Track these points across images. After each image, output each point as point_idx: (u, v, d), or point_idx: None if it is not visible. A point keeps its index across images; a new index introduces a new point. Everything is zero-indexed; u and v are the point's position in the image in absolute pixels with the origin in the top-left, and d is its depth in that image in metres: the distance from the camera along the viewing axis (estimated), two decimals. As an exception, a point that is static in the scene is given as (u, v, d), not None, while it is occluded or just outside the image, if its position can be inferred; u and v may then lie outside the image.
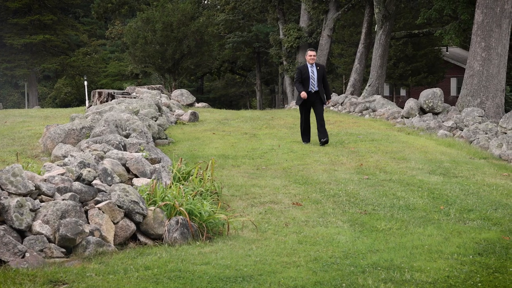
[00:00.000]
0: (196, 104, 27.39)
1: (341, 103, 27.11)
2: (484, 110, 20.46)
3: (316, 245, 7.50)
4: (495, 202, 10.06)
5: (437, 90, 21.55)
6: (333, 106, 27.25)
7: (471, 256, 6.97)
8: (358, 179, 11.61)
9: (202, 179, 9.77)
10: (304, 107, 15.69)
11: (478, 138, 17.31)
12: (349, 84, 34.88)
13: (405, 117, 21.42)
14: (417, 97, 22.50)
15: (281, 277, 6.26)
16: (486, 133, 17.74)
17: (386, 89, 48.16)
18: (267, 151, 14.63)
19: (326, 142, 15.39)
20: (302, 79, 15.58)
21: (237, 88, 71.84)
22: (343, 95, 29.24)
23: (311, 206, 9.60)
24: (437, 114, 21.14)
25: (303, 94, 15.38)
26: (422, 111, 21.34)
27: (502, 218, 8.97)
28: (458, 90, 40.51)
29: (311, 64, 15.59)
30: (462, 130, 18.86)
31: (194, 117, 20.70)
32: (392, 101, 29.30)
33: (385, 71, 33.83)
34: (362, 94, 31.18)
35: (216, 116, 22.75)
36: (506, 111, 22.02)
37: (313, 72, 15.53)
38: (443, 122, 20.05)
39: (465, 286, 5.98)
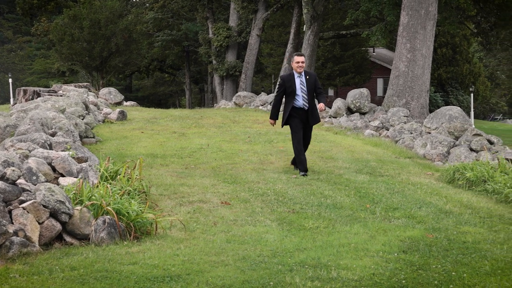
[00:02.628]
0: (125, 103, 27.12)
1: (270, 103, 27.24)
2: (409, 110, 20.88)
3: (244, 244, 7.52)
4: (419, 200, 10.27)
5: (364, 90, 21.89)
6: (262, 105, 27.36)
7: (396, 254, 7.10)
8: (287, 178, 11.68)
9: (130, 178, 9.66)
10: (297, 125, 12.26)
11: (404, 138, 17.64)
12: (278, 84, 35.10)
13: (333, 117, 21.69)
14: (344, 97, 22.81)
15: (209, 276, 6.25)
16: (411, 133, 18.11)
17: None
18: (196, 150, 14.59)
19: (305, 172, 12.17)
20: (286, 93, 12.30)
21: (166, 87, 71.48)
22: (272, 94, 29.38)
23: (240, 205, 9.61)
24: (364, 114, 21.47)
25: (271, 122, 12.69)
26: (350, 111, 21.64)
27: (426, 216, 9.16)
28: (385, 90, 41.27)
29: (299, 73, 12.25)
30: (388, 130, 19.20)
31: (122, 116, 20.48)
32: (320, 101, 29.59)
33: (314, 71, 34.16)
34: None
35: (145, 115, 22.57)
36: (430, 111, 22.53)
37: (302, 84, 12.18)
38: (369, 122, 20.37)
39: (390, 283, 6.08)
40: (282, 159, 13.67)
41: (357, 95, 21.56)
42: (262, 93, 30.96)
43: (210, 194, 10.28)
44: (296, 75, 12.28)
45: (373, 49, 52.01)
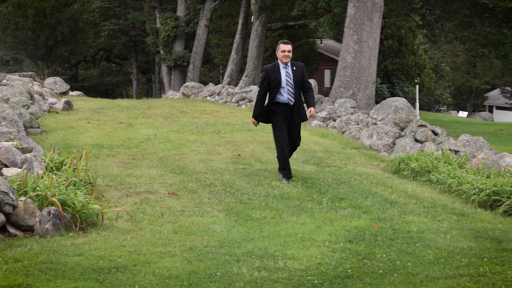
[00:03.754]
0: (71, 93, 26.76)
1: (218, 93, 27.20)
2: (356, 101, 21.07)
3: (191, 235, 7.51)
4: (365, 190, 10.39)
5: (312, 82, 22.00)
6: (210, 96, 27.30)
7: (342, 244, 7.17)
8: (234, 169, 11.69)
9: (75, 169, 9.55)
10: (280, 123, 10.80)
11: (350, 129, 17.81)
12: (226, 74, 35.05)
13: (281, 108, 21.73)
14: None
15: (156, 267, 6.23)
16: (357, 124, 18.28)
17: (262, 79, 48.65)
18: (143, 140, 14.49)
19: (288, 178, 10.87)
20: (270, 87, 10.71)
21: (113, 77, 70.76)
22: (220, 85, 29.34)
23: (187, 196, 9.59)
24: (311, 105, 21.57)
25: (253, 122, 11.20)
26: (297, 102, 21.72)
27: (371, 206, 9.28)
28: (332, 81, 41.51)
29: (285, 63, 10.72)
30: (335, 121, 19.35)
31: (68, 106, 20.22)
32: (268, 92, 29.64)
33: (262, 62, 34.19)
34: (239, 84, 31.39)
35: (91, 105, 22.32)
36: (377, 102, 22.76)
37: (288, 75, 10.68)
38: (317, 113, 20.49)
39: (336, 272, 6.14)
40: (230, 150, 13.67)
41: (305, 86, 21.65)
42: (210, 83, 30.91)
43: (158, 184, 10.23)
44: (281, 65, 10.73)
45: (321, 40, 52.24)
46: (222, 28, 46.17)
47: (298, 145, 11.34)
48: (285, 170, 10.84)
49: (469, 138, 14.73)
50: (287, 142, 10.86)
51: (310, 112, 10.76)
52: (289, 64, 10.72)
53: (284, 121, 10.76)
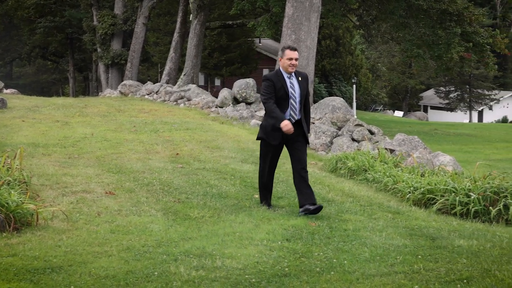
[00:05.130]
0: (5, 91, 26.25)
1: (156, 92, 27.01)
2: (294, 101, 21.17)
3: (128, 234, 7.44)
4: (303, 189, 10.45)
5: (250, 81, 22.05)
6: (148, 94, 27.10)
7: (279, 242, 7.21)
8: (173, 168, 11.64)
9: (10, 168, 9.37)
10: (271, 147, 8.95)
11: (288, 128, 17.88)
12: (164, 73, 34.87)
13: (219, 107, 21.74)
14: (231, 87, 22.90)
15: (92, 267, 6.16)
16: (295, 123, 18.37)
17: (201, 78, 48.62)
18: (80, 139, 14.31)
19: (318, 210, 8.70)
20: (276, 99, 8.83)
21: (49, 75, 69.64)
22: (158, 83, 29.14)
23: (125, 195, 9.50)
24: (250, 104, 21.64)
25: (285, 125, 8.65)
26: (236, 101, 21.76)
27: (309, 205, 9.34)
28: (270, 81, 41.67)
29: (289, 73, 8.93)
30: (273, 120, 19.41)
31: (2, 104, 19.81)
32: (207, 91, 29.63)
33: (200, 60, 34.16)
34: (178, 83, 31.28)
35: (26, 103, 21.92)
36: (315, 102, 22.95)
37: (293, 87, 8.88)
38: (255, 112, 20.54)
39: (274, 271, 6.17)
40: (168, 149, 13.61)
41: (243, 85, 21.70)
42: (149, 82, 30.68)
43: (94, 184, 10.11)
44: (285, 75, 8.90)
45: (259, 39, 52.42)
46: (161, 26, 45.93)
47: (307, 177, 8.97)
48: (266, 195, 9.26)
49: (404, 138, 15.00)
50: (274, 169, 9.24)
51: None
52: (293, 73, 8.94)
53: (280, 143, 8.91)
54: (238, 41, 44.66)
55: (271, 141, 8.84)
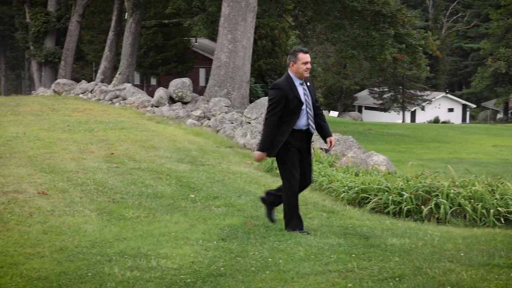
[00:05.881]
0: None
1: (91, 91, 26.66)
2: (231, 101, 21.21)
3: (62, 235, 7.33)
4: (239, 189, 10.49)
5: (186, 80, 21.97)
6: (82, 93, 26.73)
7: (215, 242, 7.21)
8: (107, 168, 11.51)
9: None
10: (295, 159, 8.01)
11: (225, 128, 17.91)
12: (99, 71, 34.44)
13: (155, 106, 21.60)
14: (167, 87, 22.77)
15: (23, 269, 6.05)
16: (232, 123, 18.41)
17: (136, 77, 48.17)
18: (11, 138, 14.01)
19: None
20: (286, 109, 7.92)
21: (-21, 73, 67.98)
22: (93, 82, 28.76)
23: (58, 195, 9.35)
24: (186, 103, 21.57)
25: (259, 156, 8.08)
26: (172, 100, 21.65)
27: (245, 205, 9.38)
28: (207, 80, 41.62)
29: (302, 79, 8.08)
30: (209, 120, 19.41)
31: None
32: (143, 90, 29.44)
33: (136, 59, 33.85)
34: (113, 82, 30.94)
35: (-44, 101, 21.37)
36: (251, 101, 23.02)
37: (306, 94, 8.07)
38: (191, 111, 20.48)
39: (209, 271, 6.17)
40: (103, 148, 13.44)
41: (179, 84, 21.61)
42: (83, 81, 30.25)
43: (26, 184, 9.92)
44: (297, 81, 8.04)
45: (196, 39, 52.24)
46: (95, 24, 45.28)
47: (311, 182, 8.56)
48: (293, 221, 8.01)
49: (339, 137, 15.17)
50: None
51: (331, 143, 8.36)
52: (304, 80, 8.13)
53: (297, 156, 8.05)
54: (174, 40, 44.37)
55: (293, 145, 7.94)
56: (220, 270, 6.19)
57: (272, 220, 8.40)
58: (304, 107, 7.98)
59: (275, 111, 7.88)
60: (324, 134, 8.35)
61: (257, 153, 8.06)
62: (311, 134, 8.15)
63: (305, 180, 8.17)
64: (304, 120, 8.02)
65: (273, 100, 7.92)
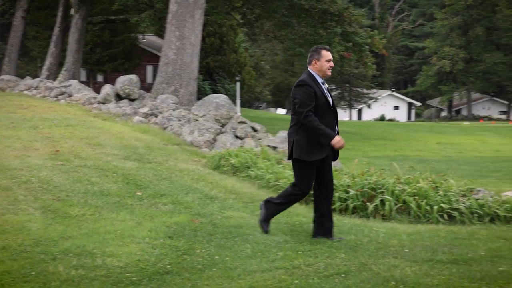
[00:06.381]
0: None
1: (36, 87, 26.25)
2: (178, 98, 21.10)
3: (5, 234, 7.20)
4: (186, 186, 10.46)
5: (134, 77, 21.78)
6: (27, 90, 26.31)
7: (162, 240, 7.17)
8: (52, 165, 11.34)
9: None
10: (313, 166, 7.59)
11: (172, 125, 17.82)
12: (44, 68, 33.94)
13: (102, 103, 21.37)
14: (114, 84, 22.54)
15: (-35, 269, 5.93)
16: (179, 120, 18.33)
17: (83, 74, 47.58)
18: (-47, 136, 13.73)
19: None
20: (318, 107, 7.51)
21: None
22: (38, 79, 28.34)
23: (1, 194, 9.18)
24: (133, 100, 21.39)
25: (337, 141, 7.49)
26: (119, 97, 21.45)
27: (192, 202, 9.36)
28: (154, 77, 41.43)
29: (324, 78, 7.79)
30: (157, 117, 19.29)
31: None
32: (89, 87, 29.07)
33: (82, 56, 33.47)
34: (58, 78, 30.51)
35: None
36: (199, 99, 22.95)
37: (329, 94, 7.73)
38: (139, 108, 20.32)
39: (155, 269, 6.13)
40: (48, 146, 13.25)
41: (126, 81, 21.42)
42: (28, 77, 29.80)
43: (-32, 182, 9.73)
44: (320, 80, 7.68)
45: (143, 36, 51.88)
46: (40, 20, 44.58)
47: (331, 206, 7.98)
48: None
49: (286, 135, 15.21)
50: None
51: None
52: (324, 78, 7.80)
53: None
54: (121, 36, 44.01)
55: (316, 157, 7.47)
56: (167, 268, 6.17)
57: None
58: (330, 108, 7.62)
59: (310, 107, 7.40)
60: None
61: (336, 139, 7.44)
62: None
63: (329, 187, 7.76)
64: (332, 123, 7.61)
65: (304, 96, 7.46)
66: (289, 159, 7.78)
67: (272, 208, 7.84)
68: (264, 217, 7.84)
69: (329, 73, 7.72)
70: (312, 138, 7.45)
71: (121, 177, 10.78)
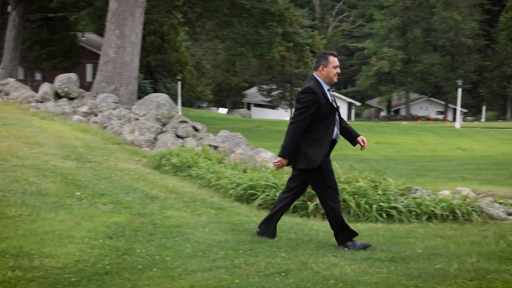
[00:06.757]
0: None
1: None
2: (119, 97, 20.93)
3: None
4: (127, 186, 10.37)
5: (73, 75, 21.51)
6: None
7: (101, 240, 7.09)
8: (-12, 165, 11.11)
9: None
10: (329, 166, 7.57)
11: (112, 124, 17.66)
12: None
13: (40, 102, 21.03)
14: (53, 82, 22.21)
15: None
16: (120, 119, 18.17)
17: (20, 72, 46.76)
18: None
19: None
20: (318, 116, 7.43)
21: None
22: (-27, 76, 27.73)
23: None
24: (72, 99, 21.11)
25: (281, 162, 7.54)
26: (58, 96, 21.15)
27: (132, 202, 9.28)
28: (94, 76, 41.00)
29: (328, 85, 7.66)
30: (97, 116, 19.08)
31: None
32: (27, 85, 28.59)
33: (20, 54, 32.87)
34: (-5, 76, 29.94)
35: None
36: (139, 98, 22.80)
37: (334, 100, 7.65)
38: (78, 107, 20.07)
39: (94, 269, 6.06)
40: (-16, 145, 12.98)
41: (65, 80, 21.12)
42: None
43: None
44: (326, 87, 7.57)
45: (82, 34, 51.26)
46: (-24, 16, 43.71)
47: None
48: (346, 230, 7.55)
49: (228, 134, 15.24)
50: None
51: (363, 142, 7.80)
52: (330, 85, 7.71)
53: None
54: (60, 34, 43.38)
55: (320, 159, 7.38)
56: (106, 269, 6.10)
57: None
58: (336, 114, 7.55)
59: (305, 116, 7.34)
60: (353, 135, 7.82)
61: (279, 159, 7.50)
62: (335, 143, 7.65)
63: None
64: (335, 130, 7.54)
65: (305, 103, 7.35)
66: (288, 165, 7.66)
67: (339, 227, 7.52)
68: (342, 239, 7.53)
69: (335, 79, 7.62)
70: (324, 146, 7.41)
71: (59, 176, 10.62)
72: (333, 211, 7.43)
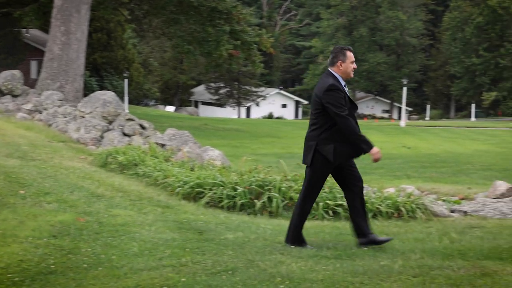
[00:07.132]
0: None
1: None
2: (64, 94, 20.68)
3: None
4: (72, 184, 10.24)
5: (17, 72, 21.19)
6: None
7: (45, 239, 6.99)
8: None
9: None
10: (330, 168, 7.40)
11: (57, 122, 17.43)
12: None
13: (-18, 99, 20.65)
14: (-5, 79, 21.80)
15: None
16: (65, 117, 17.94)
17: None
18: None
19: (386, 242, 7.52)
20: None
21: None
22: None
23: None
24: (16, 96, 20.78)
25: (376, 152, 7.27)
26: (1, 93, 20.80)
27: (77, 200, 9.17)
28: (39, 72, 40.37)
29: (346, 80, 7.46)
30: (41, 113, 18.81)
31: None
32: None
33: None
34: None
35: None
36: (85, 95, 22.55)
37: (350, 97, 7.49)
38: (22, 105, 19.76)
39: (38, 268, 5.97)
40: None
41: (9, 77, 20.78)
42: None
43: None
44: (342, 83, 7.33)
45: (27, 30, 50.40)
46: None
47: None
48: (300, 235, 7.43)
49: (175, 132, 15.20)
50: None
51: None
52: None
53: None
54: (3, 30, 42.58)
55: (340, 160, 7.26)
56: (51, 268, 6.02)
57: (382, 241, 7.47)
58: (355, 111, 7.36)
59: (344, 108, 7.11)
60: None
61: (375, 150, 7.21)
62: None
63: (361, 181, 7.52)
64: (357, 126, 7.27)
65: (338, 99, 7.12)
66: (305, 163, 7.51)
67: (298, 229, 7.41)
68: (291, 239, 7.39)
69: (352, 75, 7.43)
70: (344, 141, 7.22)
71: (3, 175, 10.43)
72: (304, 214, 7.36)
